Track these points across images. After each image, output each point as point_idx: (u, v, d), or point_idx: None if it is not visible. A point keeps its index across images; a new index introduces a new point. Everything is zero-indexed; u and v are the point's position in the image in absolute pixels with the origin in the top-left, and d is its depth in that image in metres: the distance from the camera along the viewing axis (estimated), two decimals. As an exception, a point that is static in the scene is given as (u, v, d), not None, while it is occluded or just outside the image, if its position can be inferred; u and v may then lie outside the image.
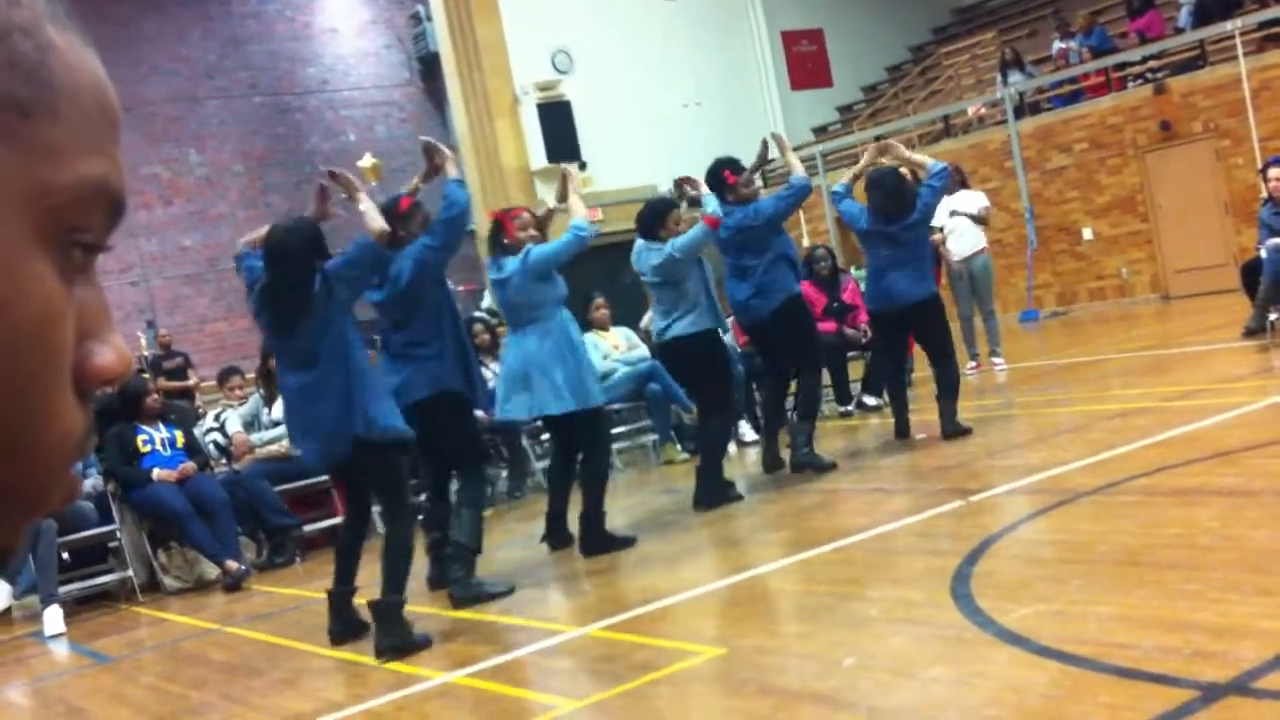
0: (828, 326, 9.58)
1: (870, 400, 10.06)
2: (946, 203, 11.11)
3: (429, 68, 21.73)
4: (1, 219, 0.49)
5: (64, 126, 0.52)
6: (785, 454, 7.88)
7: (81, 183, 0.52)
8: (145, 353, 16.43)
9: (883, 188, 7.86)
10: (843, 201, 8.11)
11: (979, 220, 11.14)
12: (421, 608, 6.07)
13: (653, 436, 9.84)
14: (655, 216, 7.14)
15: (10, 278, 0.49)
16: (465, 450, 6.07)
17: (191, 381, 14.44)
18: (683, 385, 8.16)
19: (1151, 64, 15.37)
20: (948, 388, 7.88)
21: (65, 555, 8.17)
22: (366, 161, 17.91)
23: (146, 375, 10.50)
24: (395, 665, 5.11)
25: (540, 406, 6.48)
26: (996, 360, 11.08)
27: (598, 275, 13.02)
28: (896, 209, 7.76)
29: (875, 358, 9.84)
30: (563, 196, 6.97)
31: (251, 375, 9.69)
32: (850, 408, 10.18)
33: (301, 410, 5.35)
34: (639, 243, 7.20)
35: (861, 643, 4.22)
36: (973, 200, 11.25)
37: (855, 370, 10.46)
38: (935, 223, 11.08)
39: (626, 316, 10.75)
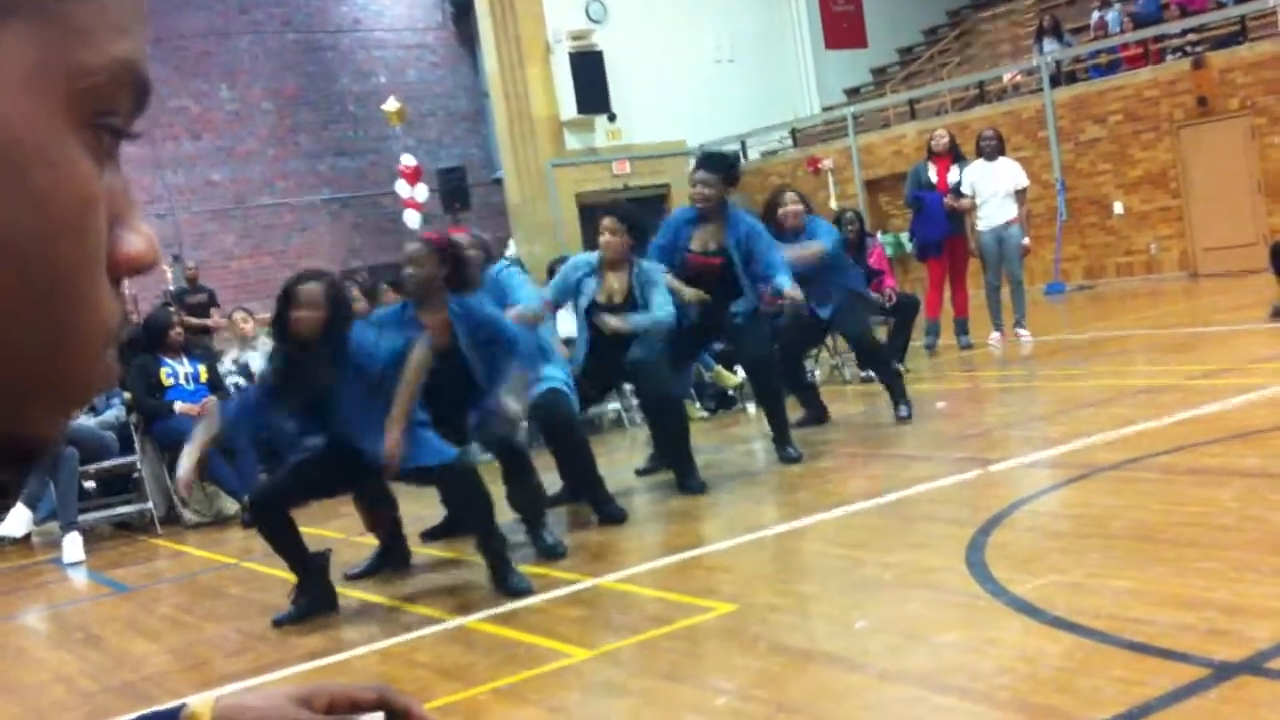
0: None
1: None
2: (983, 170, 10.97)
3: (462, 11, 21.63)
4: (38, 101, 0.48)
5: (96, 6, 0.50)
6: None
7: (113, 63, 0.50)
8: (171, 286, 16.47)
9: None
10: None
11: (1018, 195, 10.96)
12: (433, 551, 6.13)
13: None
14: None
15: (49, 164, 0.48)
16: None
17: (213, 320, 14.42)
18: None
19: (1191, 38, 15.19)
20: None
21: (86, 485, 8.25)
22: (391, 105, 17.89)
23: (172, 308, 10.46)
24: (413, 607, 5.17)
25: None
26: (1022, 331, 11.03)
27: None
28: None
29: (898, 324, 9.81)
30: None
31: (265, 316, 9.64)
32: (871, 373, 10.15)
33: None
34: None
35: (874, 606, 4.24)
36: (1009, 172, 11.06)
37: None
38: (965, 190, 10.99)
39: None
